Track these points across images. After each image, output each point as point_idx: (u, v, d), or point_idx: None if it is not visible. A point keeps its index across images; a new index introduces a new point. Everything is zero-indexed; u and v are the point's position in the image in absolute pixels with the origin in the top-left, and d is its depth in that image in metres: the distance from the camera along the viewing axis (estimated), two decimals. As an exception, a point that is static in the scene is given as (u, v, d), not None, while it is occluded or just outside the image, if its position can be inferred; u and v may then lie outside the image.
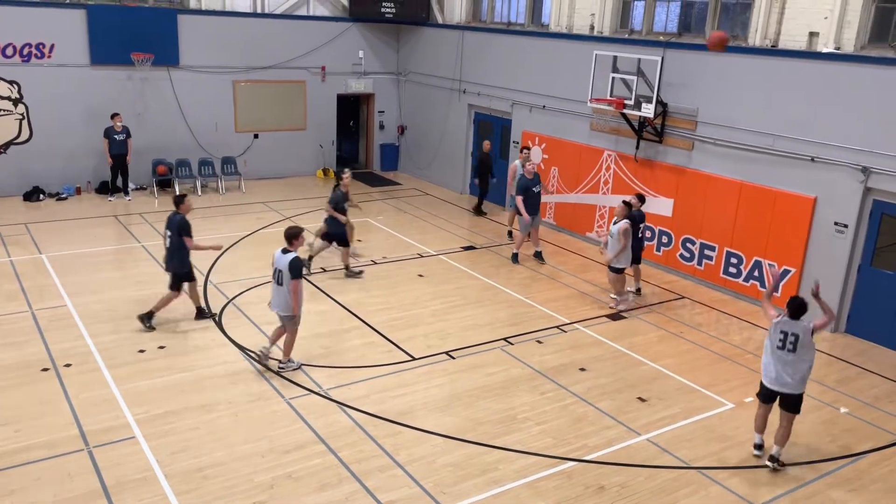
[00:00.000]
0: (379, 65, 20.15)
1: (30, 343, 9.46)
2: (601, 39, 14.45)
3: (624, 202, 11.43)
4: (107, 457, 7.19)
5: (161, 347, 9.53)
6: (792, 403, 7.45)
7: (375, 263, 13.18)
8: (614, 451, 7.76)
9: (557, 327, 10.77)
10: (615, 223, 11.33)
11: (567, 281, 12.83)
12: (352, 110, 21.12)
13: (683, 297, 12.38)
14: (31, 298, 10.84)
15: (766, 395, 7.59)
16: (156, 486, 6.82)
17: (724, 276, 12.60)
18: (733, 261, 12.44)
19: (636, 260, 11.97)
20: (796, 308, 7.27)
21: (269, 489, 6.86)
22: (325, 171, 19.81)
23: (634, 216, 11.60)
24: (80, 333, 9.78)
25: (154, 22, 16.80)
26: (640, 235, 11.89)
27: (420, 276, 12.67)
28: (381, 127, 20.78)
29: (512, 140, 16.83)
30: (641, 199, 11.99)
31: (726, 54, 12.14)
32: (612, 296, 11.80)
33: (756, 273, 12.10)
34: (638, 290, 12.23)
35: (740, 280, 12.37)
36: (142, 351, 9.40)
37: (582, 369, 9.45)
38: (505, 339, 10.34)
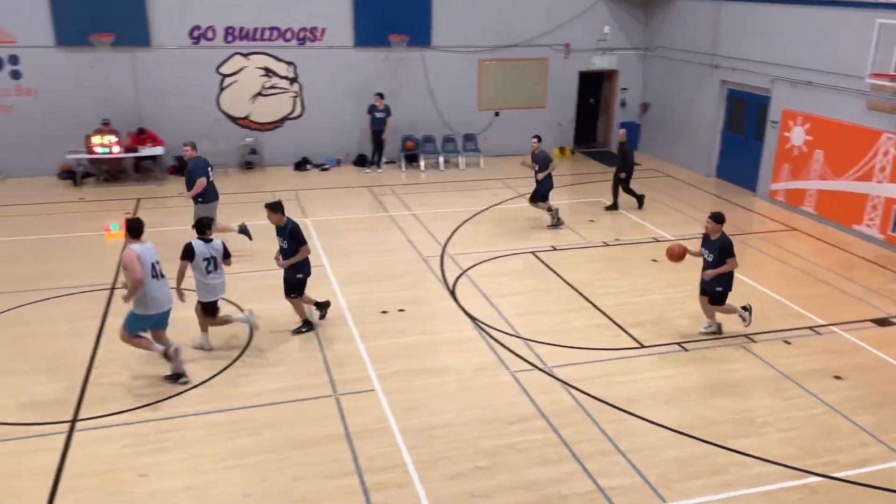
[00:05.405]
0: (625, 40, 19.49)
1: (293, 296, 10.64)
2: (887, 6, 12.57)
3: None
4: (350, 405, 7.91)
5: (401, 310, 10.22)
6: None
7: (607, 245, 12.90)
8: (871, 472, 6.86)
9: (810, 328, 9.73)
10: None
11: (825, 277, 11.51)
12: (592, 88, 20.71)
13: (975, 307, 10.51)
14: (296, 257, 12.18)
15: None
16: (390, 437, 7.36)
17: None
18: None
19: None
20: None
21: (492, 456, 7.08)
22: (562, 150, 19.73)
23: None
24: (333, 291, 10.81)
25: (410, 3, 17.83)
26: None
27: (654, 261, 12.15)
28: (623, 105, 20.14)
29: (769, 120, 15.39)
30: None
31: None
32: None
33: None
34: None
35: None
36: (384, 312, 10.15)
37: (837, 377, 8.46)
38: (746, 335, 9.58)
